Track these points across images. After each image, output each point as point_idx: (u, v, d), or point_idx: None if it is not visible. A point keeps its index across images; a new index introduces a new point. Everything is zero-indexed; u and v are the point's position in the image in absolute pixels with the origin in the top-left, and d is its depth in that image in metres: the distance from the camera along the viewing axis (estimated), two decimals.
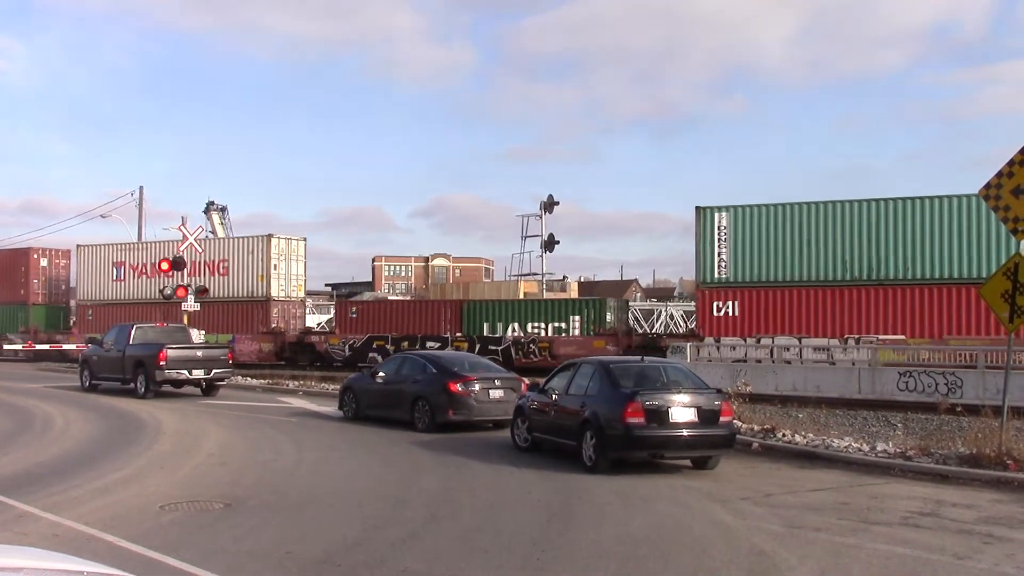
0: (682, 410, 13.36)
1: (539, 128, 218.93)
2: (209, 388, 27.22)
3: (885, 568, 8.35)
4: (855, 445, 15.48)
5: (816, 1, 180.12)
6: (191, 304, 35.63)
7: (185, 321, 34.32)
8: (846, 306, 32.17)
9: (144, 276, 48.05)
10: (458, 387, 18.39)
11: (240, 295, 45.41)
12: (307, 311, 46.65)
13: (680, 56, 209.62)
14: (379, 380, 20.41)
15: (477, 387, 18.56)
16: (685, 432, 13.36)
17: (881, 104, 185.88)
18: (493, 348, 38.31)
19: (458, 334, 39.72)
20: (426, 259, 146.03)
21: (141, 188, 53.62)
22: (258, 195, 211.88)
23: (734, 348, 33.04)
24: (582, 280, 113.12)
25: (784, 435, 16.54)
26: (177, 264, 36.22)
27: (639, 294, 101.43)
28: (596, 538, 9.46)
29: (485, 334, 39.37)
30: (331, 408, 22.67)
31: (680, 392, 13.69)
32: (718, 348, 33.48)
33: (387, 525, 9.98)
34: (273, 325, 44.18)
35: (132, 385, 26.61)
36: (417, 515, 10.55)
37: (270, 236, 44.92)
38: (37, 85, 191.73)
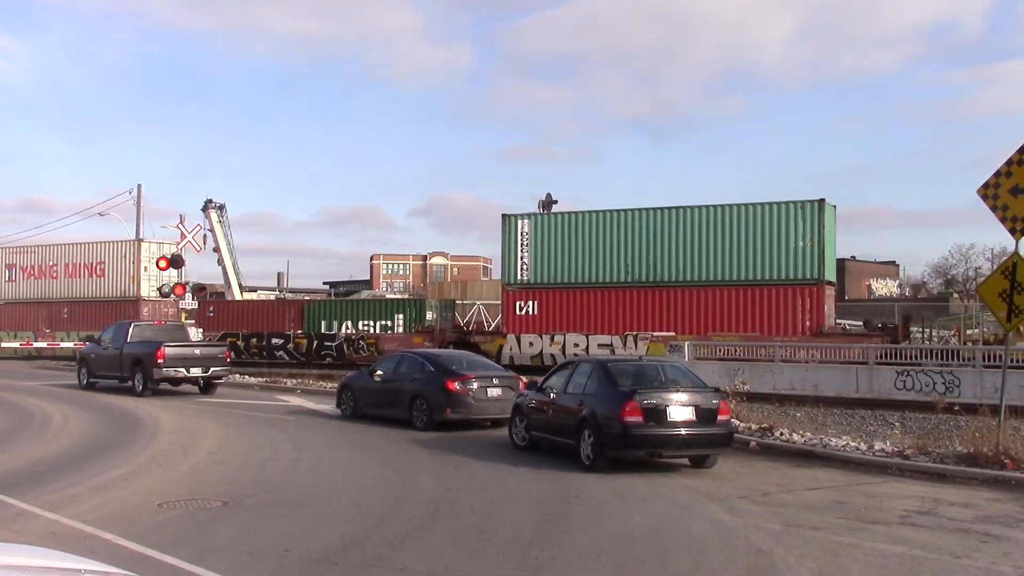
0: (680, 409, 13.37)
1: (537, 128, 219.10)
2: (207, 386, 27.20)
3: (883, 567, 8.37)
4: (853, 444, 15.49)
5: (815, 1, 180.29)
6: (189, 302, 35.61)
7: (183, 319, 34.29)
8: (629, 306, 35.26)
9: (32, 278, 53.04)
10: (456, 385, 18.39)
11: (113, 295, 49.89)
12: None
13: (678, 56, 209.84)
14: (377, 378, 20.40)
15: (475, 385, 18.57)
16: (683, 431, 13.37)
17: (879, 104, 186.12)
18: (328, 344, 41.50)
19: (299, 331, 42.89)
20: (424, 258, 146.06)
21: (139, 186, 53.48)
22: (257, 194, 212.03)
23: (531, 344, 36.70)
24: None
25: (782, 434, 16.56)
26: (175, 262, 36.26)
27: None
28: (594, 537, 9.47)
29: (322, 331, 42.52)
30: (329, 406, 22.67)
31: (678, 391, 13.70)
32: (519, 344, 37.13)
33: (385, 523, 9.99)
34: None
35: (130, 383, 26.59)
36: (415, 513, 10.56)
37: (140, 240, 49.47)
38: (36, 84, 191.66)
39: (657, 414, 13.23)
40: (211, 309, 46.18)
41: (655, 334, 33.80)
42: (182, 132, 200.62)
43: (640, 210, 35.72)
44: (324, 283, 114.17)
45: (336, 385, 24.24)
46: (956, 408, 20.59)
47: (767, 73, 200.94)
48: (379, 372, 20.57)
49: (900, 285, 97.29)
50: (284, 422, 20.24)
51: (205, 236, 52.67)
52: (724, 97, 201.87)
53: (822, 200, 32.74)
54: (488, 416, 18.76)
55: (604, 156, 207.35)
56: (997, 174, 14.47)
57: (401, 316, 41.96)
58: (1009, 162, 14.37)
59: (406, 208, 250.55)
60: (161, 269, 37.68)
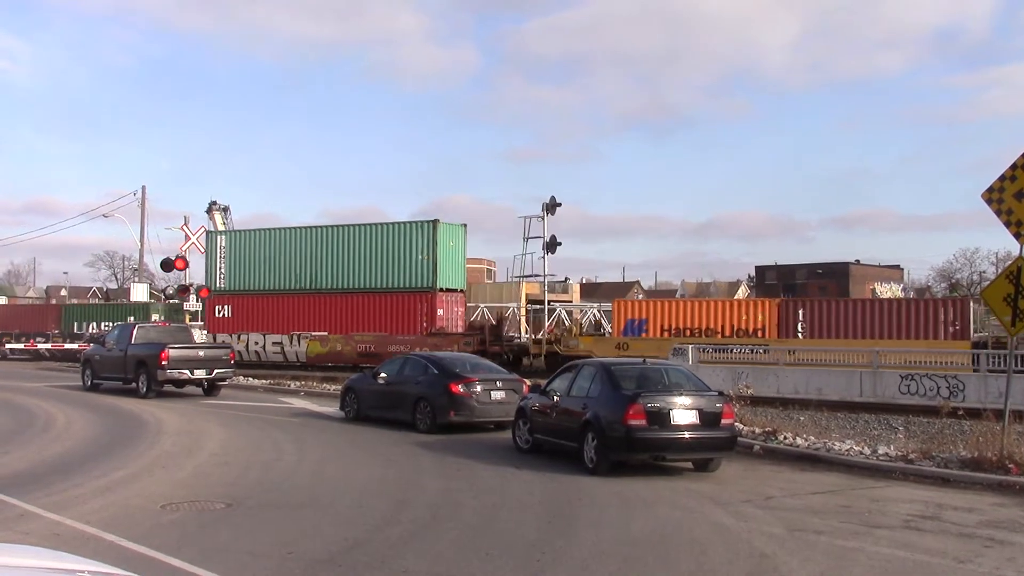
0: (683, 412, 13.36)
1: (541, 129, 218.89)
2: (211, 388, 27.22)
3: (886, 571, 8.35)
4: (856, 448, 15.47)
5: (818, 3, 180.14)
6: (193, 304, 35.69)
7: (186, 320, 34.36)
8: (297, 310, 40.80)
9: None
10: (460, 388, 18.38)
11: None
12: None
13: (681, 58, 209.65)
14: (381, 381, 20.40)
15: (479, 388, 18.56)
16: (686, 434, 13.36)
17: (883, 106, 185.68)
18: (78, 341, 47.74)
19: (56, 331, 51.28)
20: None
21: (143, 188, 53.79)
22: (260, 194, 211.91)
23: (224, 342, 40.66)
24: (584, 282, 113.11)
25: (785, 438, 16.54)
26: (170, 264, 36.45)
27: (640, 296, 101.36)
28: (596, 540, 9.47)
29: (75, 331, 49.99)
30: (332, 408, 22.68)
31: (681, 394, 13.69)
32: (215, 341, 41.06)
33: (388, 525, 9.99)
34: None
35: (134, 385, 26.61)
36: (418, 516, 10.56)
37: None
38: (40, 84, 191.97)
39: (661, 417, 13.22)
40: None
41: (312, 334, 39.67)
42: (185, 133, 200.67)
43: (304, 228, 42.50)
44: None
45: (340, 387, 24.25)
46: (960, 412, 20.50)
47: (770, 75, 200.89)
48: (383, 375, 20.56)
49: (904, 289, 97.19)
50: (288, 424, 20.25)
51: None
52: (727, 99, 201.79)
53: (436, 220, 38.84)
54: (491, 419, 18.76)
55: (607, 157, 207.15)
56: (1002, 178, 14.45)
57: (156, 316, 48.59)
58: (1014, 166, 14.36)
59: (409, 210, 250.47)
60: (167, 271, 37.89)
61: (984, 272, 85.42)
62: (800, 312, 35.62)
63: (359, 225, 41.14)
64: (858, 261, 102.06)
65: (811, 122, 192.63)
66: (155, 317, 48.26)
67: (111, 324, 45.65)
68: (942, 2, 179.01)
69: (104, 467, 13.84)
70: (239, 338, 41.24)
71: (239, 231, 46.23)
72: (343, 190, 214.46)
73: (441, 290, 38.58)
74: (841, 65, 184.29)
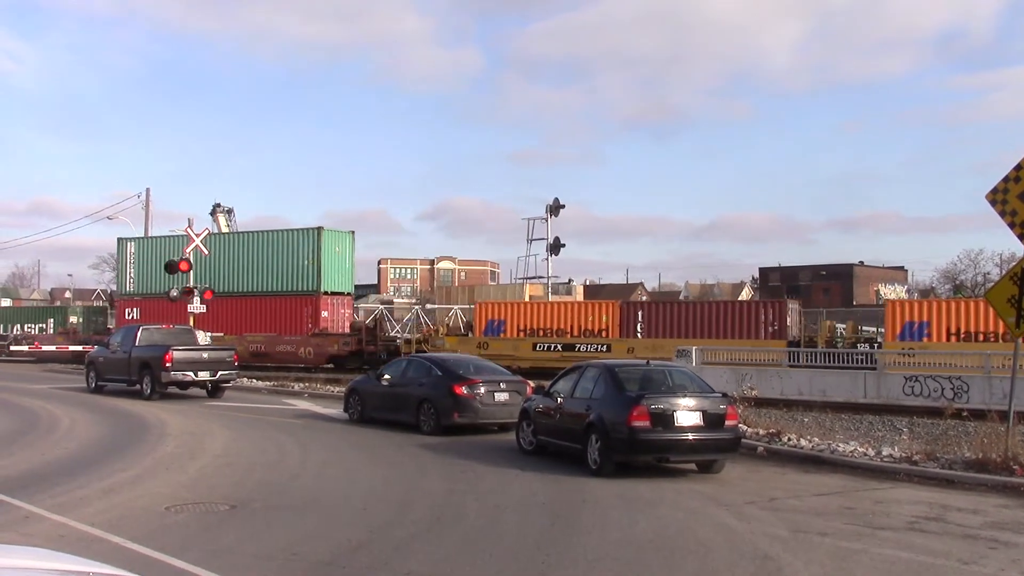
0: (687, 414, 13.35)
1: (545, 131, 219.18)
2: (215, 390, 27.25)
3: (890, 573, 8.34)
4: (860, 449, 15.45)
5: (821, 6, 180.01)
6: (197, 306, 35.72)
7: (191, 323, 34.41)
8: (207, 311, 41.97)
9: None
10: (463, 390, 18.38)
11: None
12: None
13: (684, 61, 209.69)
14: (384, 383, 20.40)
15: (482, 390, 18.56)
16: (690, 436, 13.35)
17: (886, 109, 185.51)
18: None
19: None
20: (431, 262, 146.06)
21: (148, 190, 53.74)
22: (264, 197, 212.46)
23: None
24: (587, 283, 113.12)
25: (789, 439, 16.52)
26: (174, 267, 36.47)
27: (644, 297, 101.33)
28: (600, 542, 9.46)
29: (1, 333, 53.95)
30: (336, 410, 22.69)
31: (685, 396, 13.69)
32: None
33: (392, 527, 9.99)
34: None
35: (138, 386, 26.66)
36: (422, 518, 10.56)
37: None
38: (44, 86, 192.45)
39: (664, 419, 13.21)
40: None
41: (212, 334, 40.41)
42: (189, 135, 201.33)
43: (213, 235, 44.67)
44: None
45: (343, 389, 24.27)
46: (965, 414, 20.47)
47: (773, 77, 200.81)
48: (386, 376, 20.56)
49: (908, 290, 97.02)
50: (291, 426, 20.27)
51: None
52: (730, 101, 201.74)
53: (320, 228, 42.27)
54: (495, 420, 18.76)
55: (611, 159, 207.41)
56: (1006, 179, 14.43)
57: (52, 320, 54.38)
58: (1018, 167, 14.34)
59: (413, 212, 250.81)
60: (170, 273, 37.94)
61: (988, 273, 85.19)
62: (639, 314, 38.21)
63: (251, 232, 45.56)
64: (862, 263, 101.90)
65: (814, 124, 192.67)
66: (72, 319, 53.92)
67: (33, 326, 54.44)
68: (945, 4, 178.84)
69: (108, 469, 13.86)
70: None
71: (147, 238, 49.75)
72: (347, 192, 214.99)
73: (326, 293, 42.03)
74: (844, 67, 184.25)
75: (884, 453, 15.03)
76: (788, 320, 35.43)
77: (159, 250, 46.08)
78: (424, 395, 18.96)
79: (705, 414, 13.43)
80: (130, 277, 47.65)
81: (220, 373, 26.83)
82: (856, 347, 34.89)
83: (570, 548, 9.12)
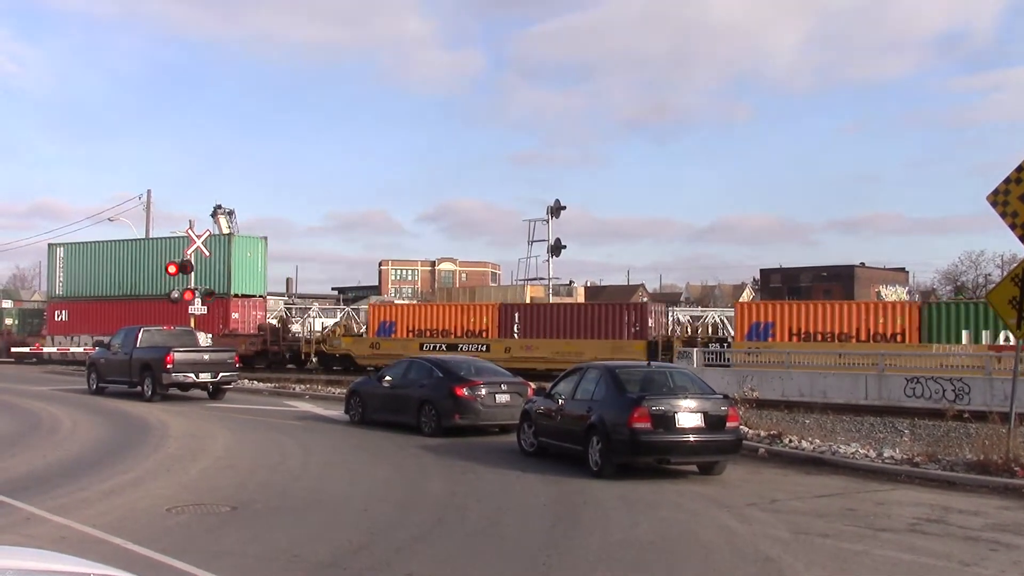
0: (688, 415, 13.34)
1: (546, 133, 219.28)
2: (216, 391, 27.23)
3: (891, 575, 8.34)
4: (862, 451, 15.45)
5: (823, 8, 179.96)
6: (198, 307, 35.74)
7: (192, 324, 34.43)
8: (120, 313, 45.48)
9: None
10: (464, 391, 18.38)
11: None
12: None
13: (687, 62, 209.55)
14: (385, 384, 20.39)
15: (483, 391, 18.55)
16: (691, 437, 13.34)
17: (887, 110, 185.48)
18: None
19: None
20: (433, 263, 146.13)
21: (149, 192, 53.82)
22: (266, 198, 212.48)
23: (61, 343, 48.32)
24: (589, 285, 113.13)
25: (791, 441, 16.52)
26: (184, 267, 36.41)
27: (645, 299, 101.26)
28: (601, 543, 9.46)
29: None
30: (337, 412, 22.68)
31: (686, 397, 13.69)
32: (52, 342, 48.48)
33: (393, 529, 10.00)
34: None
35: (139, 388, 26.66)
36: (423, 519, 10.56)
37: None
38: (47, 89, 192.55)
39: (666, 420, 13.20)
40: None
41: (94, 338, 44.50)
42: (192, 136, 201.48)
43: (124, 241, 50.54)
44: (333, 288, 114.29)
45: (345, 391, 24.27)
46: (966, 415, 20.52)
47: (775, 79, 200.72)
48: (387, 378, 20.55)
49: (910, 292, 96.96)
50: (293, 427, 20.27)
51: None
52: (732, 103, 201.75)
53: (230, 234, 47.16)
54: (496, 422, 18.75)
55: (612, 161, 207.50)
56: (1007, 180, 14.43)
57: (9, 321, 55.77)
58: (1019, 168, 14.34)
59: (415, 213, 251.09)
60: (171, 274, 37.95)
61: (990, 275, 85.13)
62: (516, 315, 40.57)
63: (165, 238, 48.58)
64: (863, 264, 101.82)
65: (816, 125, 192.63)
66: (8, 321, 55.39)
67: None
68: (947, 6, 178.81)
69: (110, 470, 13.86)
70: (73, 339, 47.73)
71: (74, 244, 52.40)
72: (348, 193, 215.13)
73: (236, 296, 45.32)
74: (846, 69, 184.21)
75: (885, 455, 15.02)
76: (650, 321, 38.19)
77: (87, 255, 50.24)
78: (425, 397, 18.96)
79: (706, 416, 13.42)
80: (59, 281, 51.21)
81: (221, 375, 26.82)
82: (708, 346, 37.51)
83: (571, 550, 9.12)
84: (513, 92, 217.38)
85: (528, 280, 55.19)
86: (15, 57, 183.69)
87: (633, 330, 37.99)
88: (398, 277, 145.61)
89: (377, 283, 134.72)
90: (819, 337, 34.10)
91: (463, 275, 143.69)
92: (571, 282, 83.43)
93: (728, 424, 13.62)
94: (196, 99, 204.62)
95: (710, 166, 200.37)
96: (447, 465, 14.76)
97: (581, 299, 74.09)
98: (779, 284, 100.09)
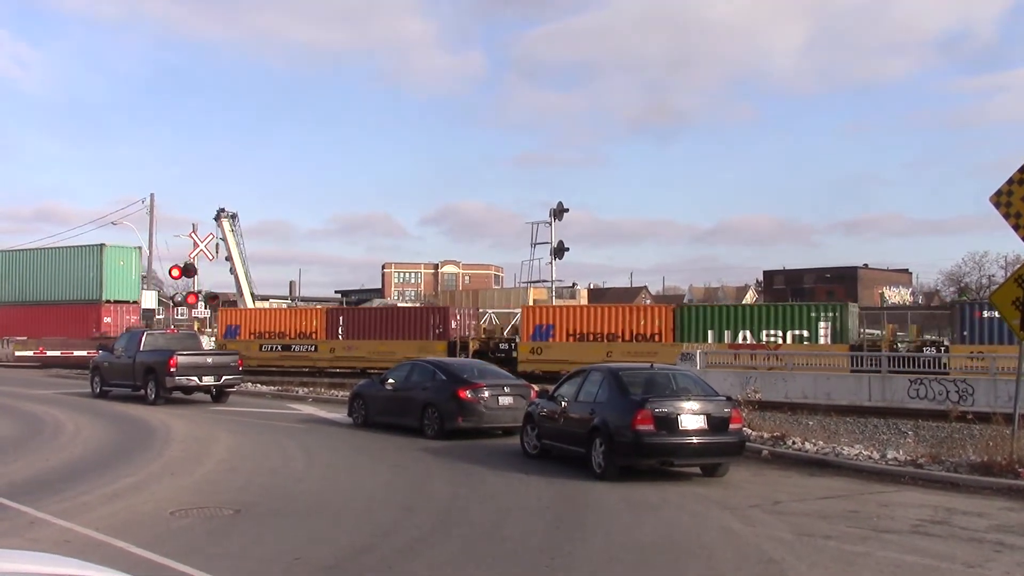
0: (692, 417, 13.34)
1: (548, 135, 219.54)
2: (219, 394, 27.25)
3: None
4: (865, 453, 15.43)
5: (825, 9, 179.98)
6: (202, 311, 35.79)
7: (195, 328, 34.48)
8: (7, 319, 50.30)
9: None
10: (467, 394, 18.37)
11: None
12: None
13: (689, 64, 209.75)
14: (388, 387, 20.39)
15: (487, 394, 18.55)
16: (695, 439, 13.33)
17: (889, 111, 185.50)
18: None
19: None
20: (435, 266, 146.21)
21: (152, 195, 53.75)
22: (269, 202, 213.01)
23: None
24: (592, 287, 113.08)
25: (794, 442, 16.50)
26: (187, 271, 36.53)
27: (648, 300, 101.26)
28: (605, 545, 9.46)
29: None
30: (340, 415, 22.68)
31: (690, 399, 13.68)
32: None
33: (396, 532, 10.00)
34: None
35: (143, 392, 26.68)
36: (426, 522, 10.56)
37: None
38: (50, 91, 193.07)
39: (669, 423, 13.20)
40: None
41: (16, 339, 49.35)
42: (195, 139, 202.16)
43: (9, 251, 54.31)
44: (336, 291, 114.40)
45: (348, 394, 24.28)
46: (969, 417, 20.47)
47: (777, 81, 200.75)
48: (390, 381, 20.55)
49: (913, 293, 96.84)
50: (296, 430, 20.28)
51: (218, 245, 52.81)
52: (734, 104, 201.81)
53: (103, 245, 49.92)
54: (499, 425, 18.74)
55: (614, 162, 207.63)
56: (1010, 181, 14.43)
57: None
58: (1022, 169, 14.34)
59: (418, 216, 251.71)
60: (174, 278, 38.24)
61: (993, 276, 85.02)
62: (341, 319, 44.90)
63: (47, 248, 52.72)
64: (866, 265, 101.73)
65: (818, 126, 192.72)
66: None
67: None
68: (949, 7, 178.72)
69: (113, 474, 13.87)
70: None
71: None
72: (351, 195, 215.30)
73: (108, 302, 49.64)
74: (848, 70, 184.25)
75: (889, 456, 15.00)
76: (453, 324, 42.11)
77: None
78: (428, 399, 18.96)
79: (709, 417, 13.41)
80: None
81: (224, 378, 26.83)
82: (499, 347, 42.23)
83: (574, 552, 9.12)
84: (515, 94, 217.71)
85: (531, 283, 55.20)
86: (19, 60, 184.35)
87: (437, 331, 41.77)
88: (401, 280, 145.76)
89: (380, 286, 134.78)
90: (591, 337, 38.60)
91: (466, 277, 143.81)
92: (574, 284, 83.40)
93: (731, 426, 13.62)
94: (199, 102, 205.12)
95: (713, 167, 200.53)
96: (450, 467, 14.76)
97: (584, 301, 74.01)
98: (782, 286, 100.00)
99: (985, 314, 32.54)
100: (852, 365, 30.49)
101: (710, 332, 36.46)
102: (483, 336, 44.60)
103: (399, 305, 56.43)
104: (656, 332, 37.24)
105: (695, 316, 37.46)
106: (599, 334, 38.36)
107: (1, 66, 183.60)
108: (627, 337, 37.54)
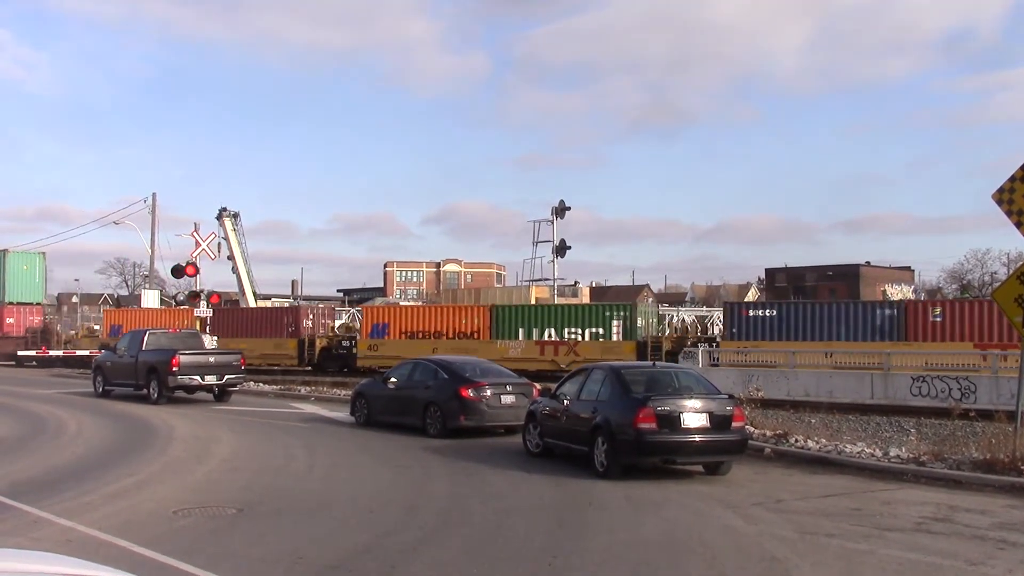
0: (694, 415, 13.33)
1: (551, 134, 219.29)
2: (221, 394, 27.27)
3: (898, 574, 8.32)
4: (868, 450, 15.40)
5: (827, 8, 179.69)
6: (203, 310, 35.83)
7: (197, 327, 34.50)
8: None
9: None
10: (470, 393, 18.37)
11: None
12: None
13: (690, 64, 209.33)
14: (391, 386, 20.39)
15: (489, 392, 18.54)
16: (697, 438, 13.32)
17: (892, 110, 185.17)
18: None
19: None
20: (438, 264, 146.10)
21: (154, 195, 53.98)
22: (271, 201, 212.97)
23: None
24: (594, 285, 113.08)
25: (796, 440, 16.48)
26: (180, 271, 36.69)
27: (651, 299, 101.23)
28: (607, 544, 9.46)
29: None
30: (343, 414, 22.69)
31: (692, 398, 13.67)
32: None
33: (398, 531, 10.00)
34: None
35: (145, 391, 26.69)
36: (428, 521, 10.56)
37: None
38: (53, 93, 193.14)
39: (671, 421, 13.19)
40: None
41: None
42: (197, 139, 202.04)
43: None
44: (338, 291, 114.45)
45: (350, 393, 24.28)
46: (972, 414, 20.46)
47: (779, 80, 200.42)
48: (393, 379, 20.55)
49: (915, 291, 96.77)
50: (298, 429, 20.28)
51: (220, 244, 52.81)
52: (736, 103, 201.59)
53: (6, 250, 55.17)
54: (502, 423, 18.74)
55: (617, 162, 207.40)
56: (1012, 179, 14.41)
57: None
58: None
59: (420, 215, 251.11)
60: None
61: (995, 273, 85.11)
62: (209, 319, 46.03)
63: None
64: (868, 263, 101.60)
65: (820, 126, 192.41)
66: None
67: None
68: (951, 6, 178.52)
69: (115, 473, 13.88)
70: None
71: None
72: (354, 195, 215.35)
73: (11, 303, 54.68)
74: (850, 69, 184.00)
75: (891, 454, 14.98)
76: (304, 323, 45.94)
77: None
78: (430, 398, 18.95)
79: (711, 416, 13.40)
80: None
81: (227, 377, 26.83)
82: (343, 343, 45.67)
83: (577, 550, 9.12)
84: (517, 94, 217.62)
85: (533, 281, 55.22)
86: (22, 62, 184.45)
87: (289, 330, 45.41)
88: (403, 279, 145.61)
89: (382, 285, 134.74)
90: (420, 335, 42.26)
91: (468, 276, 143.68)
92: (576, 283, 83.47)
93: (733, 424, 13.61)
94: (201, 102, 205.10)
95: (715, 167, 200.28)
96: (452, 466, 14.76)
97: (586, 300, 73.99)
98: (784, 284, 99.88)
99: (751, 313, 36.84)
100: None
101: (521, 330, 40.00)
102: (331, 334, 47.40)
103: (263, 306, 58.56)
104: (475, 330, 40.91)
105: (508, 316, 40.99)
106: (427, 332, 42.24)
107: (5, 68, 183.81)
108: (451, 335, 41.19)
